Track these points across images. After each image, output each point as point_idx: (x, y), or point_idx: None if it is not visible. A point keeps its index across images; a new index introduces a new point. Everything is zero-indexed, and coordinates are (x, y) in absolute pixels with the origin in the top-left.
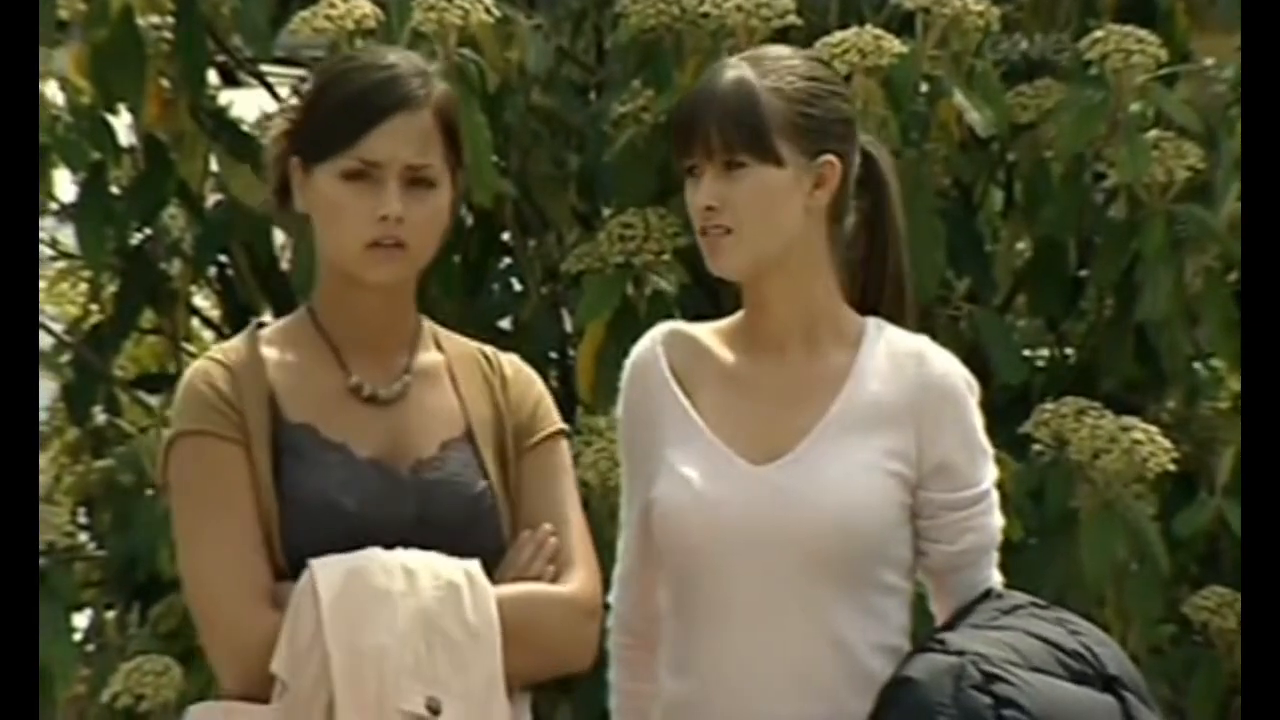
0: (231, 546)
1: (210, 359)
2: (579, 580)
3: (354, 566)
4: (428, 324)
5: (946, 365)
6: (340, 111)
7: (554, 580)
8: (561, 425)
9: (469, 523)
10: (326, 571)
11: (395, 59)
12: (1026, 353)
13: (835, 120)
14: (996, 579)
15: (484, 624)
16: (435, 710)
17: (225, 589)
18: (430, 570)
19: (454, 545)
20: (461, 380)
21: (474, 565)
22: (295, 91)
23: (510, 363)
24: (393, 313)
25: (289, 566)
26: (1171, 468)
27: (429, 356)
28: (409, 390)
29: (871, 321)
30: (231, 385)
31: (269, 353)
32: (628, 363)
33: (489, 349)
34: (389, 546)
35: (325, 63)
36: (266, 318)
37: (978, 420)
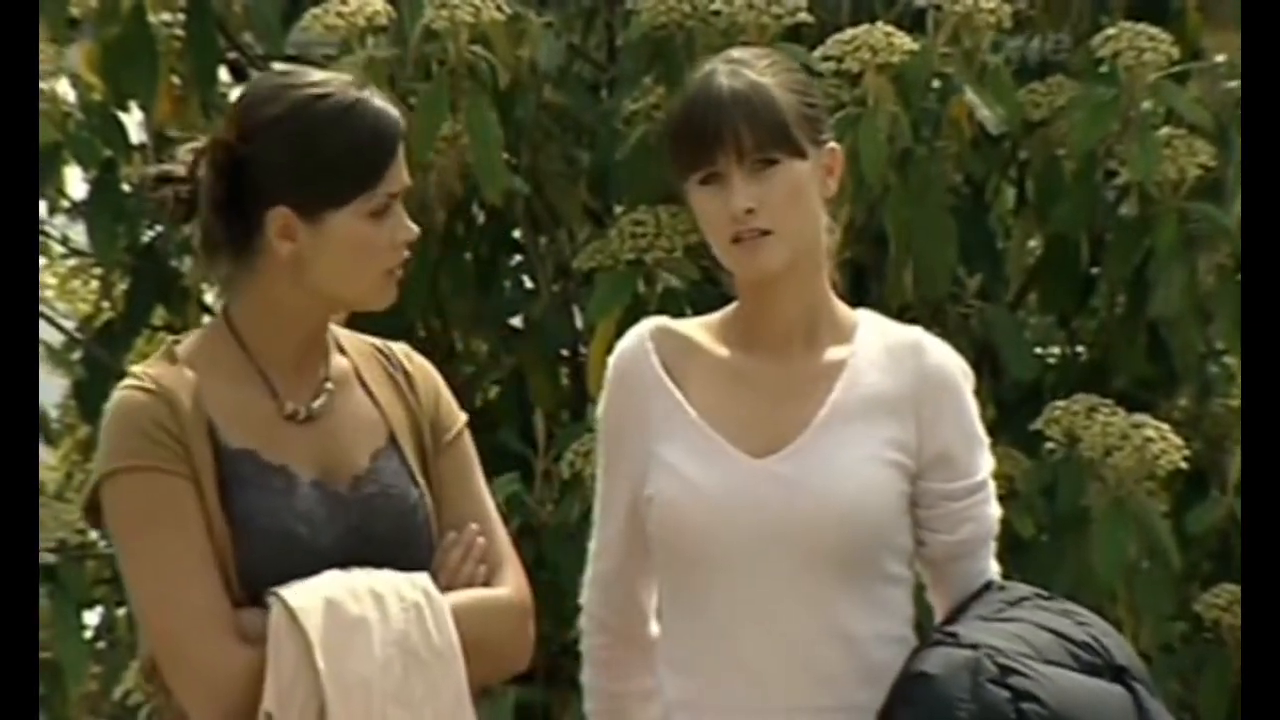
0: (194, 584)
1: (139, 389)
2: (512, 580)
3: (328, 596)
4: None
5: (943, 355)
6: (359, 153)
7: (486, 581)
8: (464, 415)
9: (408, 536)
10: (302, 603)
11: (356, 87)
12: (1038, 350)
13: (824, 108)
14: (994, 569)
15: (445, 642)
16: None
17: (195, 628)
18: (395, 592)
19: (394, 558)
20: (372, 383)
21: (426, 581)
22: (222, 138)
23: (407, 355)
24: (326, 327)
25: (245, 595)
26: (1183, 465)
27: (338, 362)
28: (332, 401)
29: (864, 313)
30: (171, 416)
31: (196, 376)
32: (613, 359)
33: (379, 342)
34: (340, 566)
35: (294, 103)
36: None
37: (974, 410)
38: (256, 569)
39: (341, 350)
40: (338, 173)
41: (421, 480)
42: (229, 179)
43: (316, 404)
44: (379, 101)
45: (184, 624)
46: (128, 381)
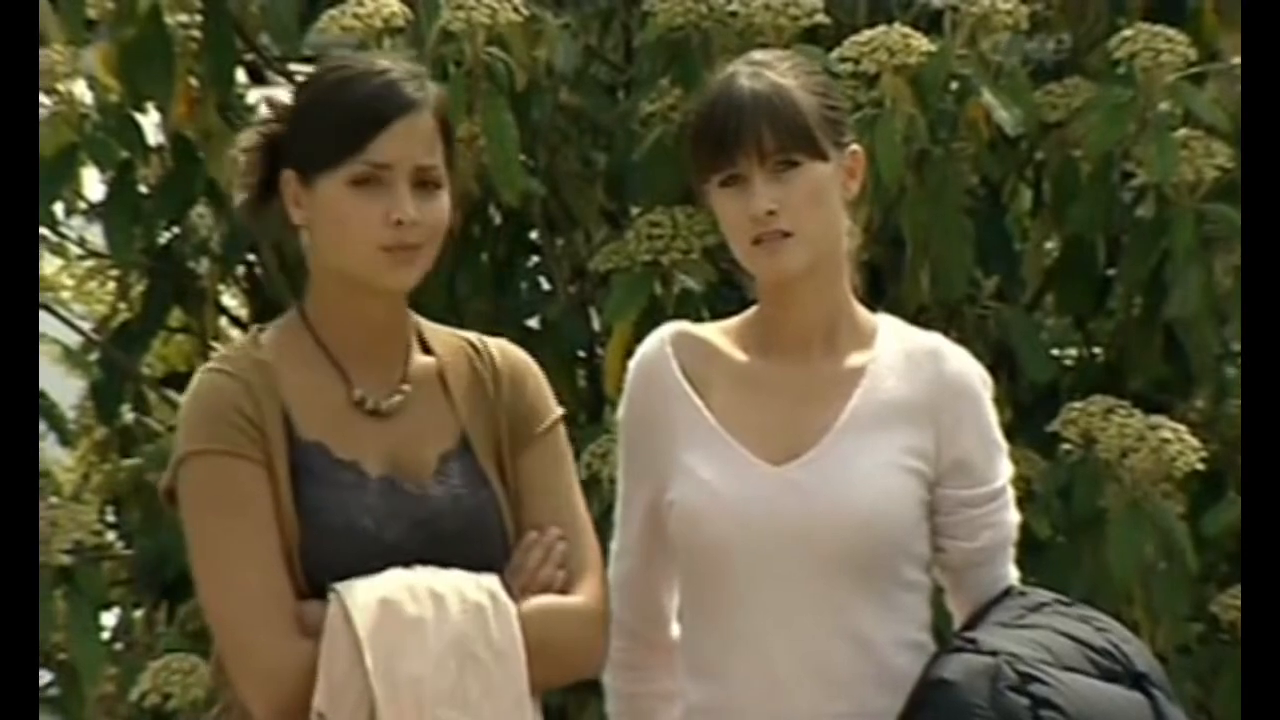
0: (261, 572)
1: (220, 372)
2: (591, 588)
3: (385, 596)
4: (414, 321)
5: (962, 362)
6: (345, 118)
7: (564, 586)
8: (560, 410)
9: (476, 536)
10: (359, 601)
11: (389, 64)
12: (1055, 351)
13: (845, 111)
14: (1014, 575)
15: (508, 645)
16: None
17: (255, 616)
18: (456, 593)
19: (462, 557)
20: (453, 384)
21: (494, 583)
22: (272, 106)
23: (501, 351)
24: (392, 318)
25: (308, 587)
26: (1200, 466)
27: (420, 361)
28: (408, 402)
29: (883, 318)
30: (250, 402)
31: (273, 362)
32: (633, 363)
33: (474, 336)
34: (404, 564)
35: (315, 74)
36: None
37: (993, 417)
38: (321, 562)
39: (427, 348)
40: (323, 136)
41: (495, 481)
42: (267, 158)
43: (390, 401)
44: (395, 75)
45: (244, 611)
46: (208, 365)
